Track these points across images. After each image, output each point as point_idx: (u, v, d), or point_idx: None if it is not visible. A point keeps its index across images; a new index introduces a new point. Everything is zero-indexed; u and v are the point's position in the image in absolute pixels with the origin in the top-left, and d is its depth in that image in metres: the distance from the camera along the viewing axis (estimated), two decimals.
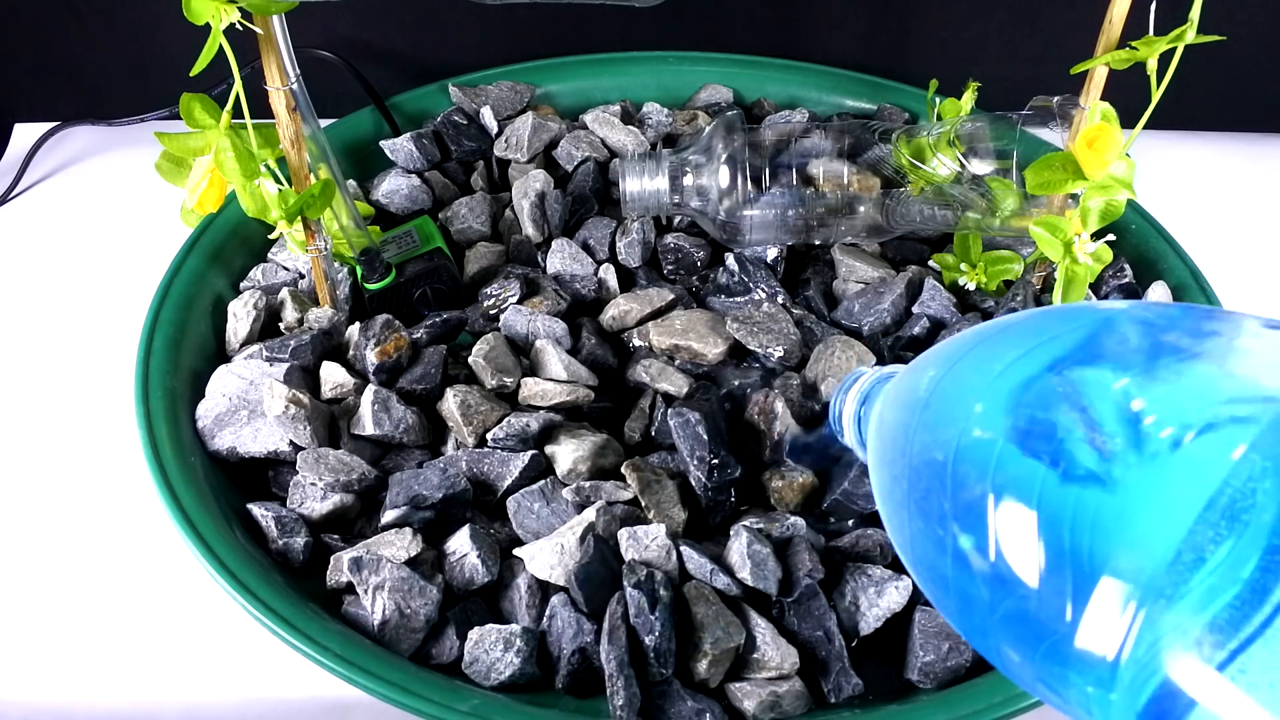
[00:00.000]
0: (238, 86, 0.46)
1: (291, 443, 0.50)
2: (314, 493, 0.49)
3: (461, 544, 0.47)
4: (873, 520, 0.49)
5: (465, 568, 0.46)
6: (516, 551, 0.47)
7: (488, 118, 0.69)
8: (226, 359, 0.56)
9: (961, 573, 0.26)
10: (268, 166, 0.50)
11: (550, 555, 0.46)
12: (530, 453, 0.50)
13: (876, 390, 0.39)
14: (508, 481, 0.49)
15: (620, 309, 0.57)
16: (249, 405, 0.52)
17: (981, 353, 0.29)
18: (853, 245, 0.61)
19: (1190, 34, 0.47)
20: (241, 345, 0.56)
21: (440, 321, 0.56)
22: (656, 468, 0.50)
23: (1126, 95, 0.52)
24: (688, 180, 0.59)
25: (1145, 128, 0.50)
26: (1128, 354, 0.25)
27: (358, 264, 0.57)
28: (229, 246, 0.60)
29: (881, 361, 0.55)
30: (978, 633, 0.26)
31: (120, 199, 0.72)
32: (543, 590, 0.46)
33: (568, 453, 0.50)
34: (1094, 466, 0.23)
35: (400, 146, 0.66)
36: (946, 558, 0.26)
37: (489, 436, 0.50)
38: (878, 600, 0.45)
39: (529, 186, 0.64)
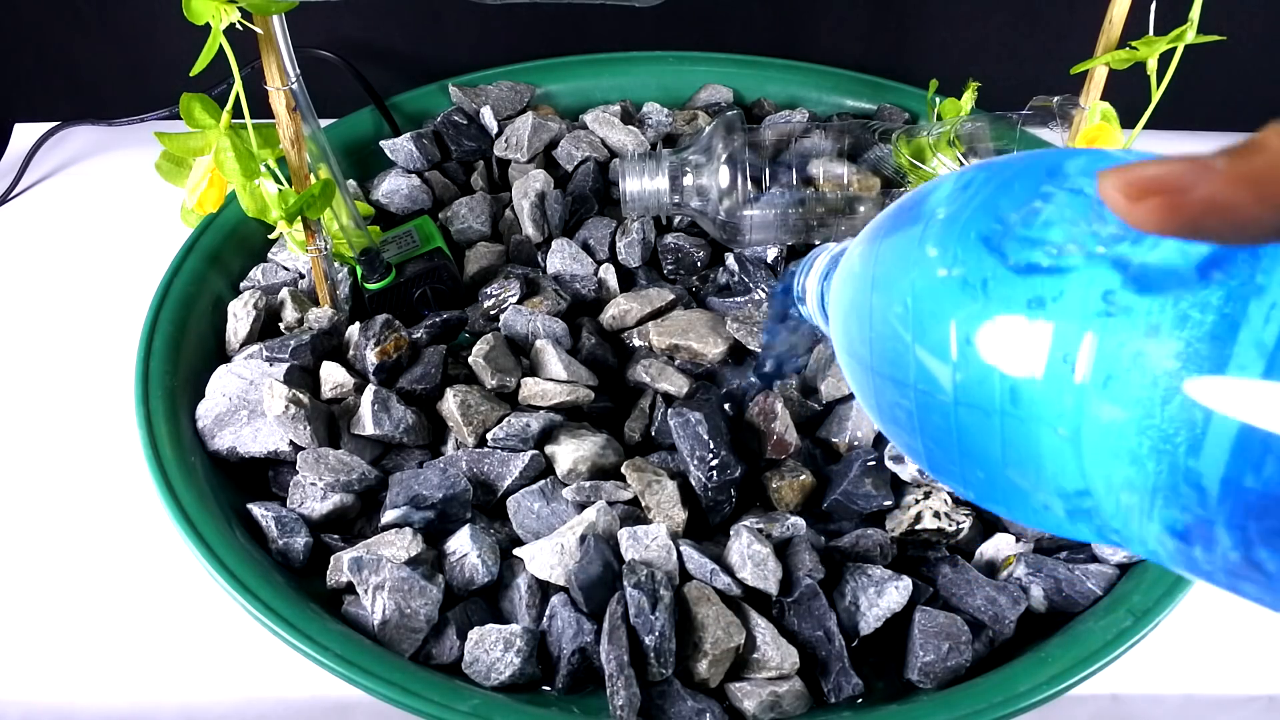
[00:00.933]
0: (238, 86, 0.46)
1: (291, 443, 0.50)
2: (314, 493, 0.49)
3: (461, 544, 0.47)
4: (873, 520, 0.50)
5: (465, 568, 0.46)
6: (516, 551, 0.47)
7: (488, 118, 0.69)
8: (226, 359, 0.56)
9: (927, 394, 0.27)
10: (268, 166, 0.50)
11: (550, 555, 0.46)
12: (530, 453, 0.50)
13: (834, 266, 0.40)
14: (508, 481, 0.49)
15: (620, 309, 0.57)
16: (249, 405, 0.52)
17: (905, 215, 0.30)
18: None
19: (1190, 34, 0.47)
20: (241, 345, 0.56)
21: (440, 321, 0.56)
22: (656, 468, 0.50)
23: (1126, 95, 0.52)
24: (688, 180, 0.59)
25: (1145, 128, 0.50)
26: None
27: (358, 264, 0.57)
28: (229, 247, 0.60)
29: None
30: (959, 462, 0.27)
31: (120, 199, 0.72)
32: (543, 590, 0.46)
33: (568, 453, 0.50)
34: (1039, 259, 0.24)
35: (400, 146, 0.66)
36: (911, 392, 0.28)
37: (489, 436, 0.50)
38: (878, 600, 0.45)
39: (529, 186, 0.64)
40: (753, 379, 0.53)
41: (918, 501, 0.49)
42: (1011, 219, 0.25)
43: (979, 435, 0.26)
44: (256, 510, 0.48)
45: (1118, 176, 0.19)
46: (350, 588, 0.46)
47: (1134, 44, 0.48)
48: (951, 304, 0.26)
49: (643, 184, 0.60)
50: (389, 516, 0.48)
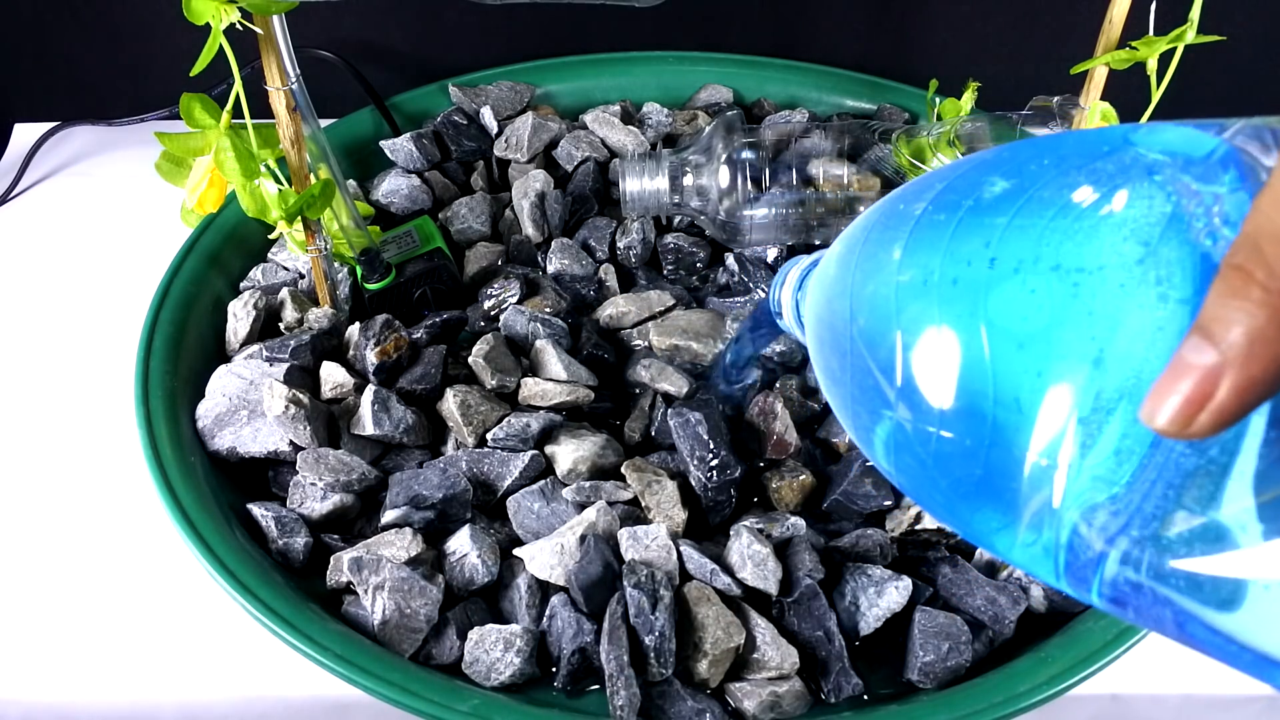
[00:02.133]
0: (238, 86, 0.46)
1: (291, 443, 0.50)
2: (314, 493, 0.49)
3: (461, 544, 0.47)
4: (873, 520, 0.50)
5: (465, 568, 0.46)
6: (516, 551, 0.47)
7: (488, 118, 0.69)
8: (226, 359, 0.56)
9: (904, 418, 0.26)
10: (268, 166, 0.50)
11: (550, 555, 0.46)
12: (530, 453, 0.50)
13: (809, 275, 0.40)
14: (508, 481, 0.49)
15: (619, 309, 0.57)
16: (249, 405, 0.52)
17: (880, 223, 0.30)
18: None
19: (1190, 34, 0.47)
20: (241, 345, 0.56)
21: (440, 321, 0.56)
22: (656, 468, 0.50)
23: (1126, 95, 0.52)
24: (688, 180, 0.59)
25: None
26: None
27: (358, 264, 0.57)
28: (229, 247, 0.60)
29: None
30: (931, 482, 0.27)
31: (120, 199, 0.72)
32: (543, 590, 0.46)
33: (568, 453, 0.50)
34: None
35: (400, 146, 0.66)
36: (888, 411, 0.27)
37: (489, 436, 0.50)
38: (878, 600, 0.45)
39: (529, 186, 0.64)
40: (717, 384, 0.53)
41: None
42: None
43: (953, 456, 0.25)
44: (256, 510, 0.48)
45: (1158, 416, 0.20)
46: (350, 588, 0.46)
47: (1134, 44, 0.48)
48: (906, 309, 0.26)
49: (643, 184, 0.60)
50: (389, 516, 0.48)
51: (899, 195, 0.30)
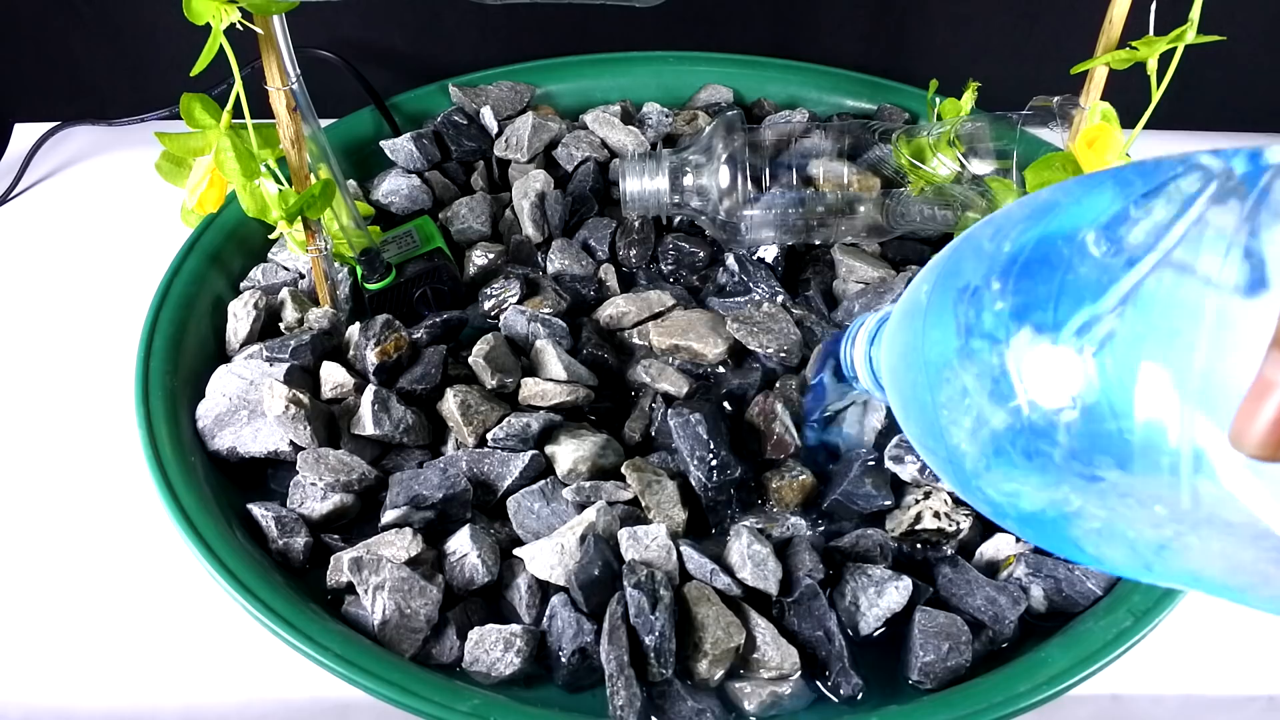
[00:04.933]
0: (238, 86, 0.46)
1: (291, 443, 0.50)
2: (314, 493, 0.49)
3: (461, 544, 0.47)
4: (873, 520, 0.50)
5: (465, 568, 0.46)
6: (516, 551, 0.47)
7: (488, 118, 0.69)
8: (226, 359, 0.56)
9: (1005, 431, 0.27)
10: (268, 166, 0.50)
11: (550, 555, 0.46)
12: (530, 453, 0.50)
13: (882, 327, 0.40)
14: (508, 481, 0.49)
15: (619, 309, 0.57)
16: (249, 405, 0.52)
17: (969, 246, 0.30)
18: (853, 245, 0.61)
19: (1190, 34, 0.47)
20: (241, 345, 0.56)
21: (440, 321, 0.56)
22: (656, 468, 0.50)
23: (1126, 95, 0.52)
24: (688, 180, 0.59)
25: (1145, 128, 0.50)
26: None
27: (358, 264, 0.57)
28: (229, 247, 0.60)
29: None
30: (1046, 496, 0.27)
31: (120, 199, 0.72)
32: (543, 590, 0.46)
33: (568, 453, 0.50)
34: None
35: (400, 146, 0.66)
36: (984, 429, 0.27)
37: (489, 436, 0.50)
38: (878, 600, 0.45)
39: (529, 186, 0.64)
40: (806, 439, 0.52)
41: (918, 501, 0.49)
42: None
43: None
44: (256, 510, 0.48)
45: (1245, 440, 0.19)
46: (350, 588, 0.46)
47: (1134, 44, 0.48)
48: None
49: (643, 184, 0.60)
50: (389, 516, 0.48)
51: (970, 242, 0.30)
